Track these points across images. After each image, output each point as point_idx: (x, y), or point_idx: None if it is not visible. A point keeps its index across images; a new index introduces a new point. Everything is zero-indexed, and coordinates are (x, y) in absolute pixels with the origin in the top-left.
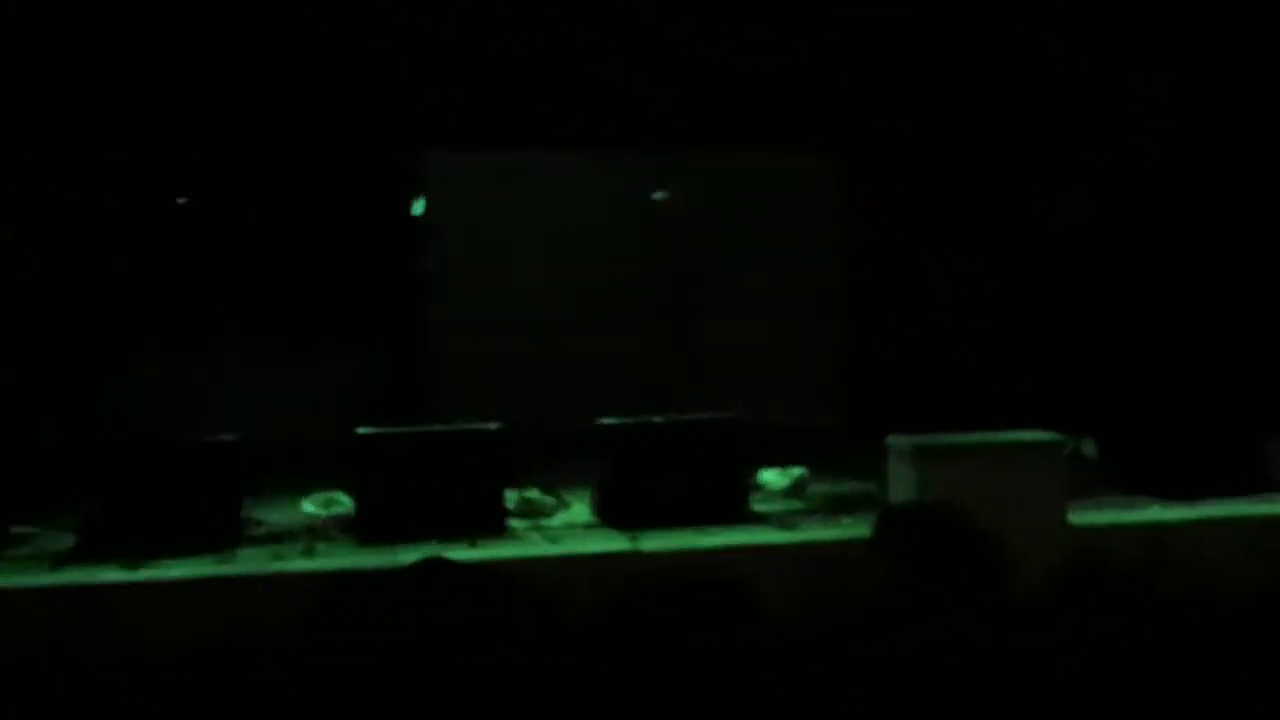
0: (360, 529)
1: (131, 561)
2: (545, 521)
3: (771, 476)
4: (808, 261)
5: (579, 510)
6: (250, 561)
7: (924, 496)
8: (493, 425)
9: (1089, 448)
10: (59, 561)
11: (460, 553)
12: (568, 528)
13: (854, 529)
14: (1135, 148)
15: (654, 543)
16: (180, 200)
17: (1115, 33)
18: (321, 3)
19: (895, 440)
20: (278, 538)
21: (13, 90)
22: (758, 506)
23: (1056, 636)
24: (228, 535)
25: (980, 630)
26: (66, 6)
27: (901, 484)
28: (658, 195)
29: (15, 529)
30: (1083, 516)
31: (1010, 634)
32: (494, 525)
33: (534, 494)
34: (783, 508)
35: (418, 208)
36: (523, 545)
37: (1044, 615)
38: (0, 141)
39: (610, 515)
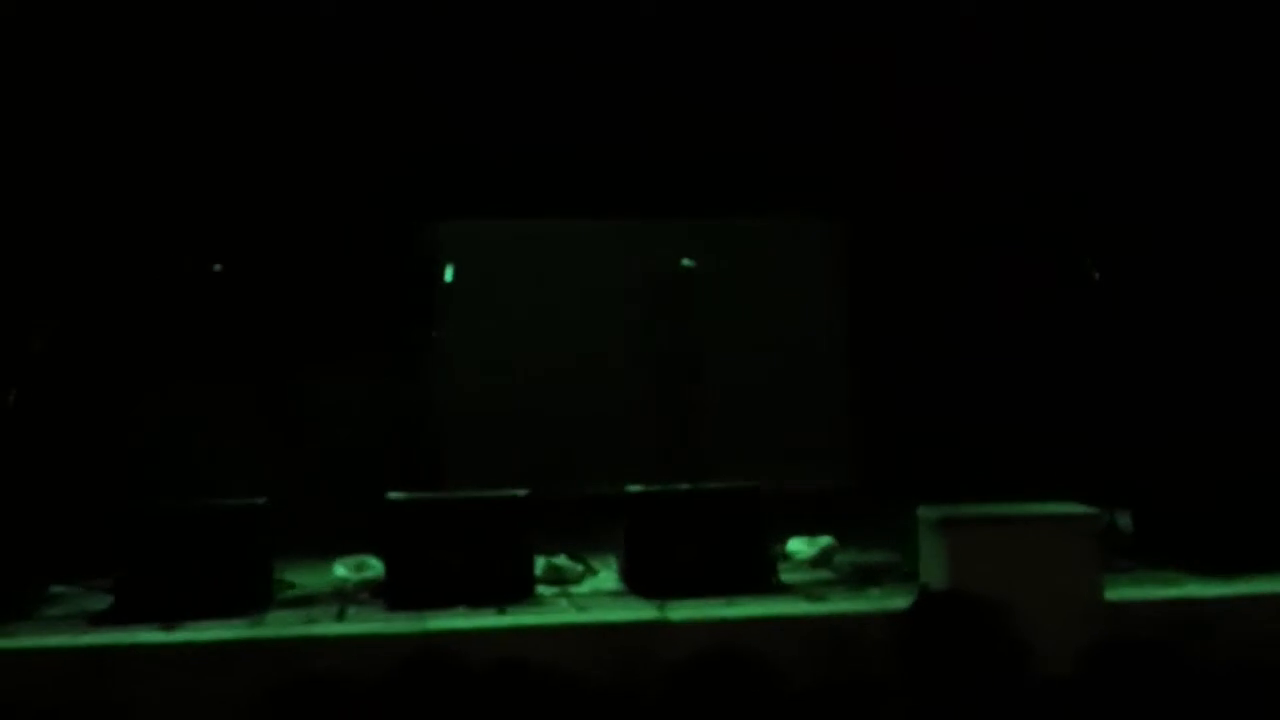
0: (390, 594)
1: (167, 623)
2: (573, 588)
3: (798, 546)
4: (822, 324)
5: (606, 577)
6: (282, 624)
7: (954, 571)
8: (520, 491)
9: (1123, 520)
10: (96, 621)
11: (488, 619)
12: (595, 595)
13: (882, 601)
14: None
15: (682, 612)
16: (216, 267)
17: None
18: (348, 82)
19: (925, 511)
20: (309, 601)
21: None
22: (785, 577)
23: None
24: (260, 598)
25: (1005, 703)
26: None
27: (931, 556)
28: (686, 262)
29: (53, 588)
30: (1116, 591)
31: (1036, 708)
32: (522, 592)
33: (562, 561)
34: (810, 578)
35: (448, 274)
36: (550, 612)
37: (1072, 692)
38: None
39: (637, 583)
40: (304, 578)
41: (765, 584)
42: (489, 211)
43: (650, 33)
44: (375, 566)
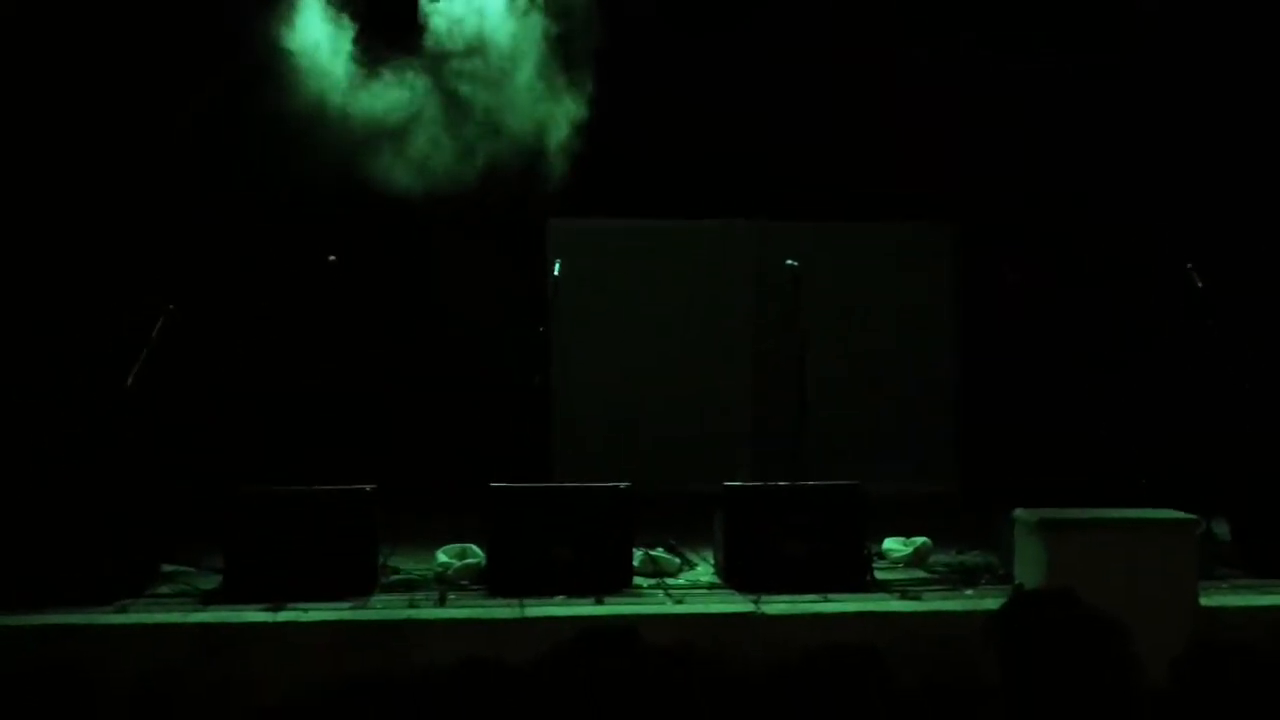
0: (491, 581)
1: (274, 603)
2: (670, 581)
3: (894, 545)
4: (928, 328)
5: (703, 570)
6: (386, 608)
7: (1051, 574)
8: (622, 484)
9: (1221, 527)
10: (206, 600)
11: (586, 608)
12: (691, 588)
13: (977, 601)
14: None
15: (776, 607)
16: (331, 258)
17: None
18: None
19: (1022, 513)
20: (412, 586)
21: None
22: (880, 575)
23: None
24: (364, 582)
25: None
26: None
27: (1027, 558)
28: (790, 263)
29: (165, 567)
30: (1213, 598)
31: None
32: (620, 582)
33: (659, 553)
34: (905, 577)
35: (556, 269)
36: (647, 603)
37: (1170, 704)
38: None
39: (733, 577)
40: (408, 564)
41: (860, 582)
42: (597, 210)
43: (762, 45)
44: (477, 554)
